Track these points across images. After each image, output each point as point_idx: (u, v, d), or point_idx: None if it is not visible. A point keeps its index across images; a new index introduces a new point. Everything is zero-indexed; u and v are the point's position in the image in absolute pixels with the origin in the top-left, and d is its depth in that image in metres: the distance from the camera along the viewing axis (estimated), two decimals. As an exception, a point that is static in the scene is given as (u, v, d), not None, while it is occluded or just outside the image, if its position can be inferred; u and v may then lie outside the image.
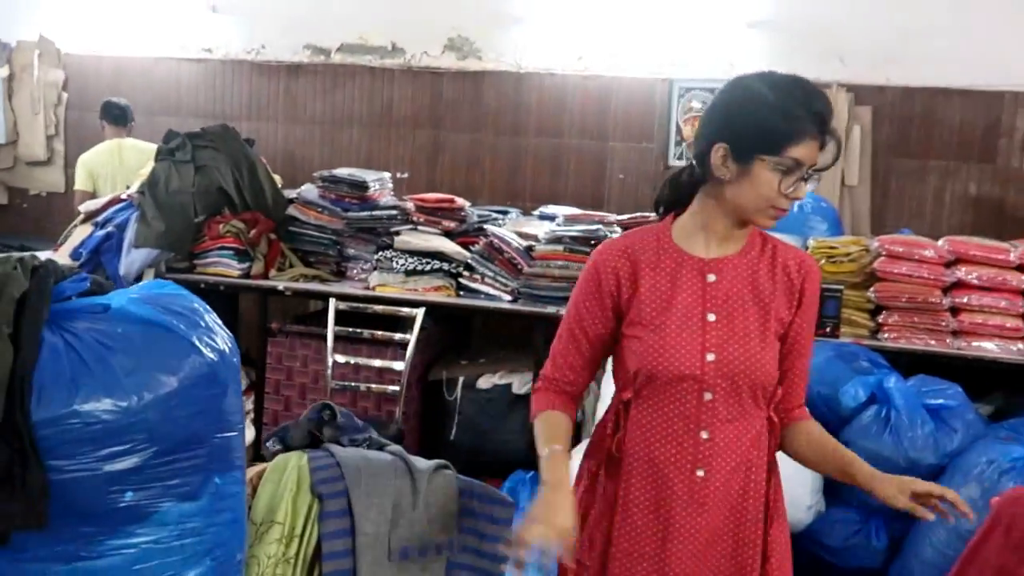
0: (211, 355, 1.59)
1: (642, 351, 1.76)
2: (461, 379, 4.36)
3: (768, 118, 1.70)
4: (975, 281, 3.66)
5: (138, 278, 4.38)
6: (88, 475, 1.44)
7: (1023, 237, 4.45)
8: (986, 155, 5.04)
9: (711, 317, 1.76)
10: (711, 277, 1.79)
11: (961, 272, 3.67)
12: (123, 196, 4.71)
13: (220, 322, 1.71)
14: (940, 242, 3.79)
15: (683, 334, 1.76)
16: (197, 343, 1.58)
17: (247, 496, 1.88)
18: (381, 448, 2.22)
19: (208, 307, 1.73)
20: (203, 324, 1.63)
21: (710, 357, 1.74)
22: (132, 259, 4.41)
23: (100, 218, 4.63)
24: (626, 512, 1.78)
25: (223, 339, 1.66)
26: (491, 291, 4.22)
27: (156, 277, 4.35)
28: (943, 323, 3.68)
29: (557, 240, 4.20)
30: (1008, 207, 5.02)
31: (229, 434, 1.62)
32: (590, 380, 1.91)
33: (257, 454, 4.26)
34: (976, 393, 3.65)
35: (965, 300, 3.67)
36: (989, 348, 3.66)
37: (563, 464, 1.73)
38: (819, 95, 1.73)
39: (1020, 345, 3.64)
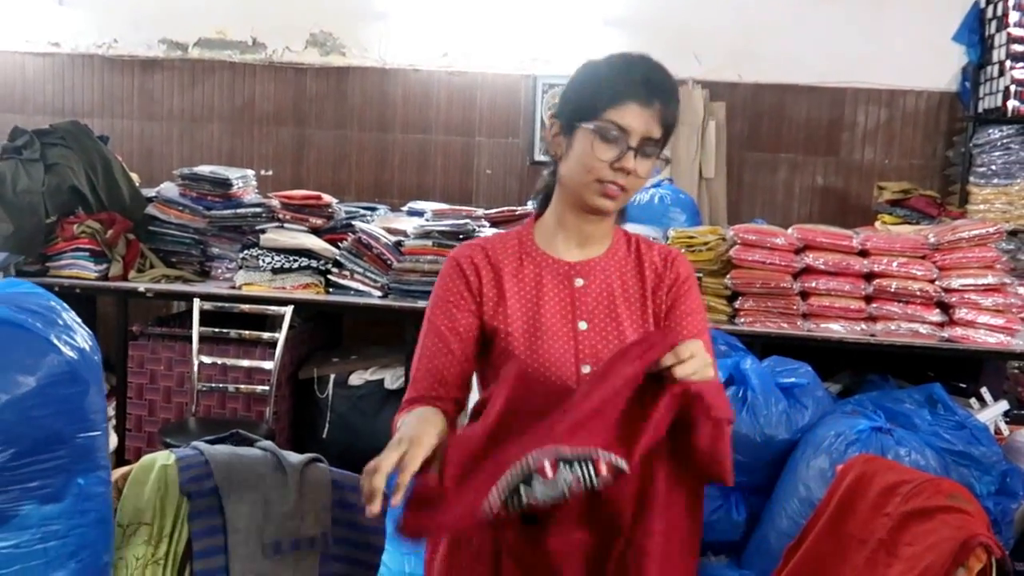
0: (70, 353, 1.55)
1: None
2: (332, 377, 4.33)
3: (589, 84, 1.62)
4: (822, 266, 3.87)
5: (-14, 282, 4.17)
6: (-59, 480, 1.39)
7: (866, 224, 4.74)
8: (831, 148, 5.34)
9: (582, 325, 1.65)
10: (579, 282, 1.68)
11: (809, 258, 3.88)
12: (-34, 197, 4.47)
13: (79, 320, 1.66)
14: (790, 230, 3.99)
15: (555, 345, 1.63)
16: (55, 341, 1.53)
17: (112, 499, 1.83)
18: (251, 444, 2.20)
19: (65, 305, 1.68)
20: (61, 322, 1.59)
21: (585, 369, 1.62)
22: (-22, 263, 4.20)
23: (-59, 220, 4.38)
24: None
25: (83, 337, 1.62)
26: (361, 287, 4.21)
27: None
28: (794, 307, 3.88)
29: (426, 235, 4.23)
30: (852, 196, 5.34)
31: (92, 433, 1.58)
32: (464, 394, 1.69)
33: (121, 460, 4.12)
34: (825, 373, 3.85)
35: (813, 284, 3.88)
36: (836, 329, 3.88)
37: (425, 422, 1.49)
38: (646, 63, 1.64)
39: (863, 325, 3.87)
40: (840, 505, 2.24)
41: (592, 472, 1.39)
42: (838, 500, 2.25)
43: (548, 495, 1.38)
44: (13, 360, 1.45)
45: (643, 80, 1.61)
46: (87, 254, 4.27)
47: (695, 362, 1.46)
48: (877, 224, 4.64)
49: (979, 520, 1.97)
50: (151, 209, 4.48)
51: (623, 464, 1.41)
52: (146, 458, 2.04)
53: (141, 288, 4.22)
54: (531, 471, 1.37)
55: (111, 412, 4.33)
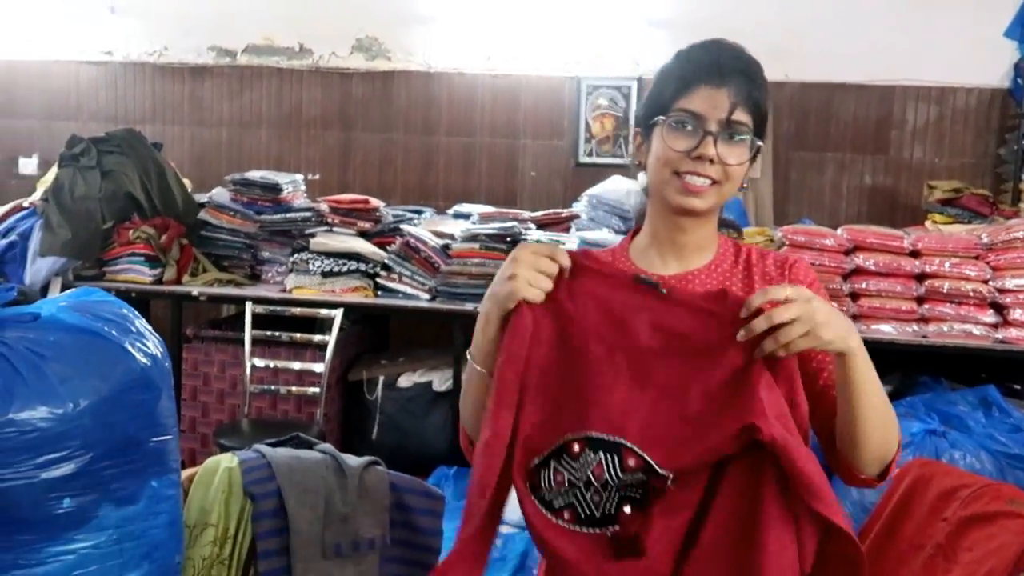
0: (144, 360, 1.59)
1: None
2: (381, 379, 4.38)
3: (659, 81, 1.54)
4: (872, 267, 3.84)
5: (44, 287, 4.28)
6: (25, 483, 1.43)
7: (916, 224, 4.70)
8: (879, 147, 5.29)
9: None
10: None
11: (859, 259, 3.85)
12: (25, 204, 4.59)
13: (150, 327, 1.71)
14: (839, 231, 3.97)
15: None
16: (129, 348, 1.58)
17: (183, 516, 1.88)
18: (311, 447, 2.24)
19: (137, 313, 1.73)
20: (134, 329, 1.63)
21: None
22: (37, 268, 4.30)
23: (1, 227, 4.50)
24: None
25: (154, 344, 1.67)
26: (409, 290, 4.25)
27: (63, 286, 4.26)
28: (844, 308, 3.85)
29: (473, 238, 4.26)
30: (901, 196, 5.28)
31: (164, 437, 1.63)
32: None
33: (176, 462, 4.20)
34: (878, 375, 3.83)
35: (864, 286, 3.85)
36: (887, 331, 3.85)
37: None
38: (715, 44, 1.54)
39: (915, 327, 3.84)
40: (897, 509, 2.23)
41: (617, 462, 1.36)
42: (895, 504, 2.24)
43: (573, 474, 1.37)
44: (91, 367, 1.50)
45: (711, 62, 1.51)
46: (142, 259, 4.36)
47: (796, 308, 1.30)
48: (927, 224, 4.58)
49: (1041, 525, 1.96)
50: (203, 214, 4.56)
51: (664, 472, 1.35)
52: (210, 460, 2.09)
53: (195, 292, 4.30)
54: (563, 446, 1.38)
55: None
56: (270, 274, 4.52)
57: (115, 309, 1.65)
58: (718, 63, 1.50)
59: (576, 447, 1.37)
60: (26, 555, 1.43)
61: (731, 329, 1.37)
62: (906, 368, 4.26)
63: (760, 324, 1.31)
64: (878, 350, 4.11)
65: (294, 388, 4.12)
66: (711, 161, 1.49)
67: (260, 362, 4.06)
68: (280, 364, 4.11)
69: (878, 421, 1.42)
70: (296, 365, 4.11)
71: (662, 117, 1.51)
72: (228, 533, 1.97)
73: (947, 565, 2.02)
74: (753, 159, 1.57)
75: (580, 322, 1.42)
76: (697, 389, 1.37)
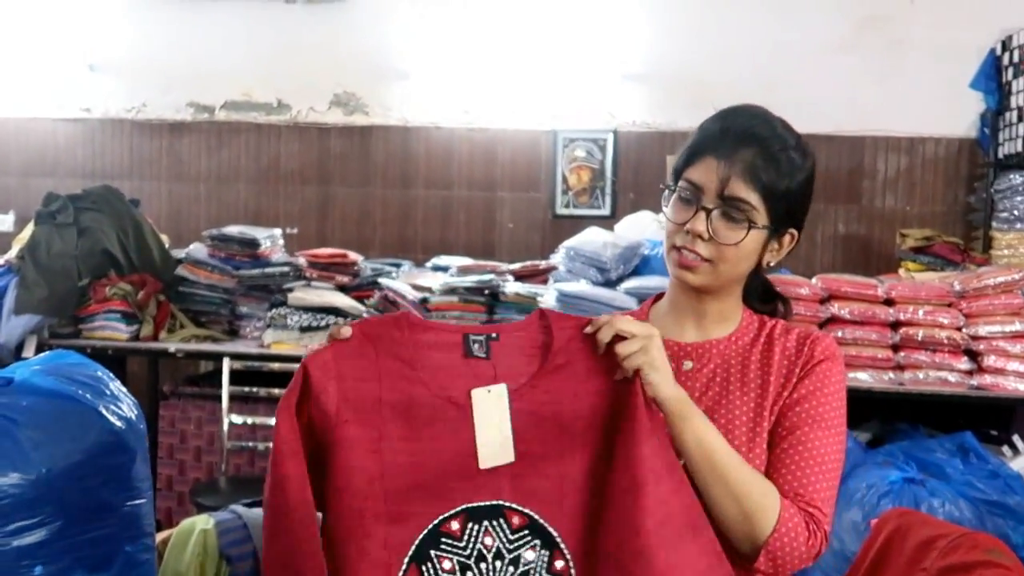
0: (118, 423, 1.59)
1: None
2: (360, 433, 4.34)
3: (685, 144, 1.50)
4: (847, 316, 3.87)
5: (19, 345, 4.24)
6: (-4, 551, 1.42)
7: (890, 271, 4.75)
8: (852, 196, 5.37)
9: None
10: (687, 364, 1.51)
11: (834, 308, 3.88)
12: (0, 261, 4.56)
13: (125, 389, 1.70)
14: (814, 280, 4.00)
15: None
16: (104, 411, 1.57)
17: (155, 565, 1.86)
18: (289, 507, 2.22)
19: (112, 375, 1.73)
20: (108, 392, 1.63)
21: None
22: (12, 326, 4.27)
23: (-24, 285, 4.47)
24: None
25: (128, 406, 1.66)
26: (388, 344, 4.23)
27: (39, 344, 4.22)
28: (821, 357, 3.87)
29: (451, 291, 4.26)
30: (874, 244, 5.35)
31: (138, 501, 1.61)
32: None
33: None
34: (853, 422, 3.83)
35: (840, 334, 3.87)
36: (864, 379, 3.86)
37: None
38: (734, 112, 1.46)
39: (891, 374, 3.86)
40: (876, 560, 2.23)
41: (505, 525, 1.33)
42: (874, 555, 2.24)
43: (462, 554, 1.32)
44: (65, 431, 1.49)
45: (721, 129, 1.44)
46: (119, 315, 4.33)
47: (637, 342, 1.31)
48: (901, 271, 4.64)
49: (1016, 570, 1.96)
50: (181, 270, 4.55)
51: (540, 520, 1.32)
52: (185, 522, 2.07)
53: (171, 348, 4.27)
54: (437, 531, 1.32)
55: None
56: (248, 329, 4.50)
57: (89, 372, 1.64)
58: (728, 131, 1.43)
59: (455, 524, 1.32)
60: (-4, 625, 1.41)
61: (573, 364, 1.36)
62: (884, 415, 4.29)
63: (605, 333, 1.33)
64: (856, 398, 4.13)
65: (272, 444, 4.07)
66: (701, 237, 1.43)
67: (238, 418, 4.03)
68: (258, 420, 4.08)
69: (723, 491, 1.36)
70: (274, 421, 4.07)
71: (671, 185, 1.48)
72: (204, 597, 1.95)
73: (928, 616, 2.02)
74: (773, 243, 1.49)
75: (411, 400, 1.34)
76: (548, 431, 1.35)
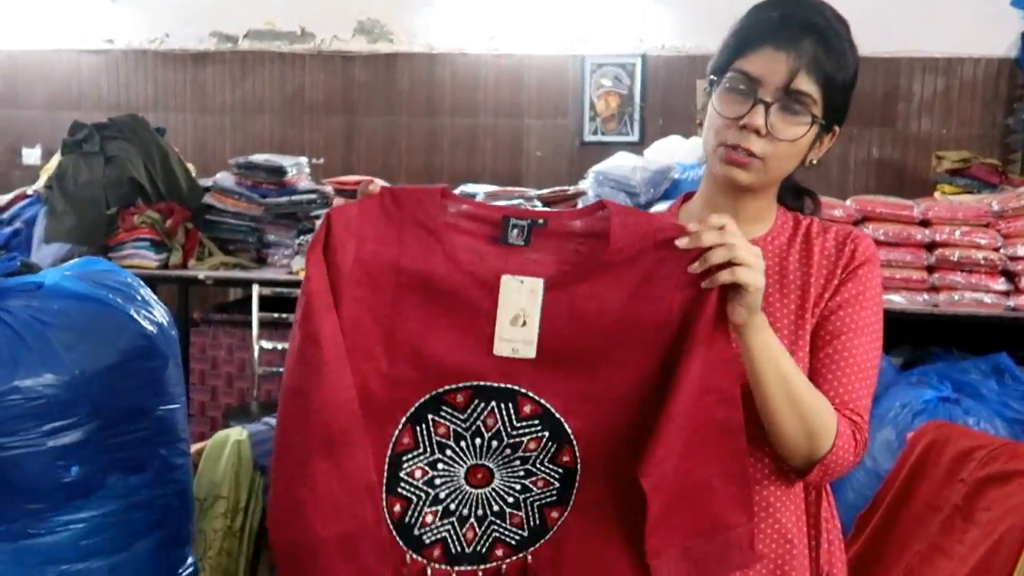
0: (150, 327, 1.58)
1: None
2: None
3: (729, 34, 1.40)
4: (882, 237, 3.80)
5: (51, 274, 4.27)
6: (32, 451, 1.42)
7: (924, 195, 4.66)
8: (887, 120, 5.25)
9: None
10: None
11: (868, 229, 3.81)
12: (29, 191, 4.57)
13: (155, 296, 1.70)
14: (848, 202, 3.93)
15: None
16: (135, 316, 1.57)
17: (192, 486, 1.87)
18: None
19: (141, 282, 1.72)
20: (139, 298, 1.62)
21: None
22: (43, 255, 4.28)
23: (6, 215, 4.49)
24: None
25: (160, 313, 1.65)
26: (415, 270, 4.22)
27: (70, 272, 4.25)
28: (854, 279, 3.82)
29: (479, 216, 4.22)
30: (908, 168, 5.25)
31: (172, 407, 1.61)
32: None
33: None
34: (886, 346, 3.79)
35: (873, 256, 3.82)
36: (897, 301, 3.81)
37: None
38: (788, 0, 1.36)
39: (925, 296, 3.81)
40: (912, 472, 2.21)
41: (513, 410, 1.28)
42: (910, 467, 2.22)
43: (460, 425, 1.29)
44: (96, 335, 1.49)
45: (781, 17, 1.34)
46: (148, 243, 4.33)
47: (718, 236, 1.22)
48: (936, 195, 4.54)
49: (1059, 483, 1.94)
50: (208, 198, 4.54)
51: (556, 414, 1.28)
52: (219, 434, 2.08)
53: (201, 276, 4.28)
54: (441, 398, 1.28)
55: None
56: (276, 257, 4.49)
57: (120, 278, 1.63)
58: (788, 19, 1.34)
59: (460, 397, 1.28)
60: (35, 524, 1.42)
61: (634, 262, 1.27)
62: (917, 340, 4.23)
63: (719, 255, 1.23)
64: (889, 320, 4.09)
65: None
66: (758, 133, 1.35)
67: (268, 344, 4.05)
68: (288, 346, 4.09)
69: (792, 412, 1.33)
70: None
71: (716, 78, 1.39)
72: (239, 505, 1.96)
73: (964, 526, 2.00)
74: (819, 140, 1.41)
75: (444, 264, 1.28)
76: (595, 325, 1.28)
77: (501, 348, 1.28)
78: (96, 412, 1.46)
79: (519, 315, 1.28)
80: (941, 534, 2.03)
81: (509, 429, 1.30)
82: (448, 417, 1.29)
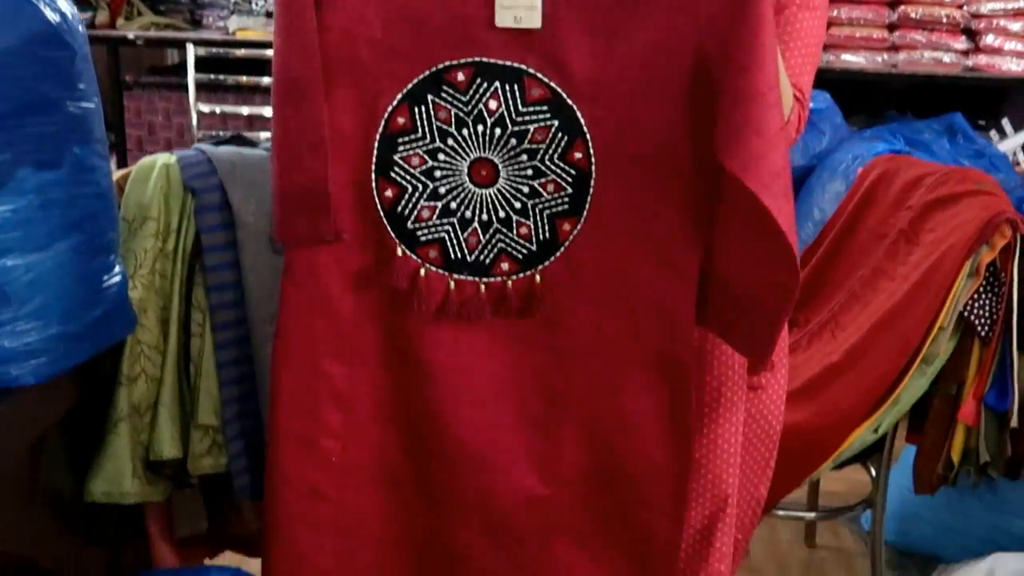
0: (52, 15, 1.45)
1: None
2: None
3: None
4: (844, -6, 3.68)
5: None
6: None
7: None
8: None
9: None
10: None
11: (831, -14, 3.68)
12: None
13: (59, -12, 1.55)
14: (811, -43, 3.77)
15: None
16: (34, 1, 1.43)
17: (115, 197, 1.78)
18: (254, 146, 2.13)
19: (43, -29, 1.56)
20: (38, -17, 1.48)
21: None
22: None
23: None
24: None
25: (64, 3, 1.51)
26: (359, 30, 4.02)
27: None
28: (813, 39, 3.71)
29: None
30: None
31: (84, 104, 1.50)
32: None
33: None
34: (843, 113, 3.74)
35: (835, 14, 3.70)
36: (856, 61, 3.73)
37: None
38: None
39: (885, 56, 3.73)
40: (860, 204, 2.19)
41: (519, 93, 1.20)
42: (858, 200, 2.20)
43: (461, 109, 1.22)
44: (-10, 13, 1.36)
45: None
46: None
47: None
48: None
49: (1004, 200, 1.92)
50: (134, -47, 4.24)
51: (568, 100, 1.18)
52: (146, 159, 1.97)
53: (131, 35, 4.05)
54: (440, 76, 1.21)
55: (112, 166, 4.27)
56: (211, 18, 4.26)
57: (15, -40, 1.48)
58: None
59: (461, 75, 1.21)
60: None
61: None
62: (873, 108, 4.19)
63: None
64: (847, 83, 4.02)
65: (245, 134, 3.96)
66: None
67: (206, 107, 3.89)
68: (228, 109, 3.94)
69: None
70: (245, 110, 3.95)
71: None
72: (171, 227, 1.89)
73: (908, 248, 2.00)
74: None
75: None
76: None
77: (503, 17, 1.18)
78: (-3, 97, 1.35)
79: None
80: (885, 258, 2.03)
81: (513, 115, 1.22)
82: (449, 99, 1.21)
